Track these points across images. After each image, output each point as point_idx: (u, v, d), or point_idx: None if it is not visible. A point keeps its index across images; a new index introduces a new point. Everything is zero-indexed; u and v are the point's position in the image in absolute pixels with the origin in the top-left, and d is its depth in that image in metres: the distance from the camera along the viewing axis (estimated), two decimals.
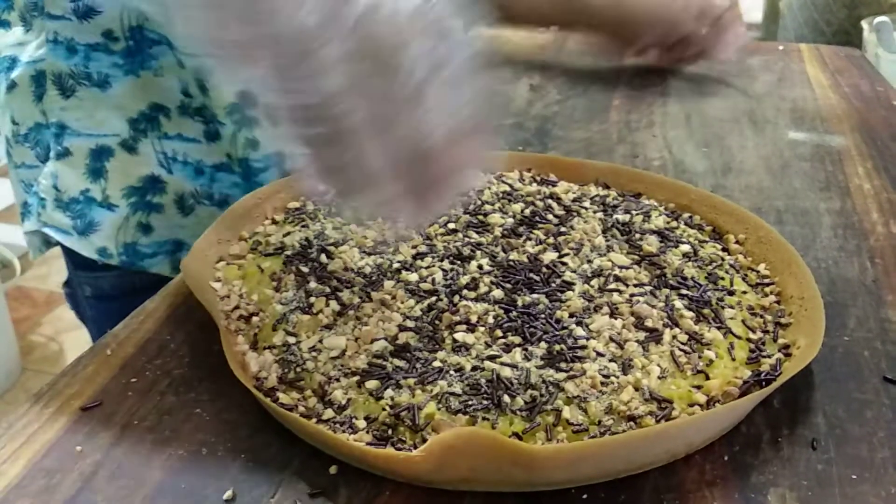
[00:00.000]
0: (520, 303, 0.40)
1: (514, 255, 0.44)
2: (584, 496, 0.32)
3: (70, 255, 0.68)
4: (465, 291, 0.41)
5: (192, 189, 0.63)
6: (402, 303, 0.40)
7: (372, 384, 0.35)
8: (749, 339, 0.39)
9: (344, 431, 0.33)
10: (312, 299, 0.40)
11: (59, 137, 0.61)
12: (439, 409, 0.34)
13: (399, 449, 0.32)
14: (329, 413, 0.34)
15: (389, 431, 0.33)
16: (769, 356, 0.38)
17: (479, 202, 0.51)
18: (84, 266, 0.67)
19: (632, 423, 0.34)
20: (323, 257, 0.44)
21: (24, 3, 0.59)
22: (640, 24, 0.82)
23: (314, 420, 0.34)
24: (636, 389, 0.35)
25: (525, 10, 0.86)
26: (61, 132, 0.61)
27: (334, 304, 0.40)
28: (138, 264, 0.64)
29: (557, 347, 0.37)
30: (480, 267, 0.43)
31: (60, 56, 0.59)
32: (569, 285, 0.41)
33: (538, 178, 0.56)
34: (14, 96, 0.61)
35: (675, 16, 0.81)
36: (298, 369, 0.36)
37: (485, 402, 0.34)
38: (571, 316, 0.39)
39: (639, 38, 0.83)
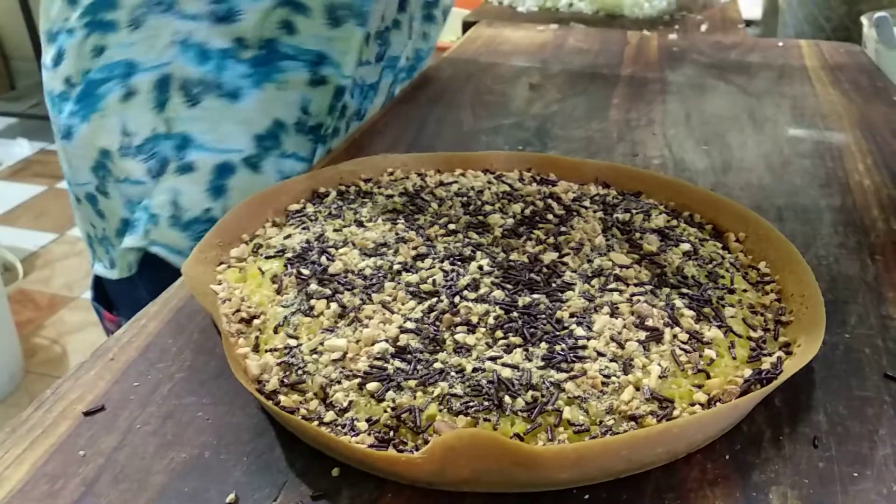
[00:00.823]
0: (520, 303, 0.40)
1: (514, 256, 0.44)
2: (586, 496, 0.32)
3: (158, 286, 0.64)
4: (465, 292, 0.41)
5: None
6: (403, 304, 0.40)
7: (373, 386, 0.35)
8: (750, 338, 0.39)
9: (346, 434, 0.33)
10: (313, 301, 0.40)
11: (183, 150, 0.57)
12: (440, 411, 0.34)
13: (401, 451, 0.32)
14: (331, 415, 0.34)
15: (391, 433, 0.33)
16: (770, 354, 0.38)
17: (479, 202, 0.51)
18: None
19: (633, 422, 0.34)
20: (323, 259, 0.44)
21: (141, 0, 0.55)
22: None
23: (316, 422, 0.34)
24: (637, 389, 0.35)
25: None
26: (185, 144, 0.57)
27: (335, 307, 0.40)
28: None
29: (558, 348, 0.37)
30: (481, 268, 0.43)
31: (191, 61, 0.55)
32: (569, 285, 0.42)
33: (538, 178, 0.56)
34: (131, 104, 0.57)
35: None
36: (300, 372, 0.37)
37: (486, 403, 0.34)
38: (572, 316, 0.39)
39: None
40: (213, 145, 0.57)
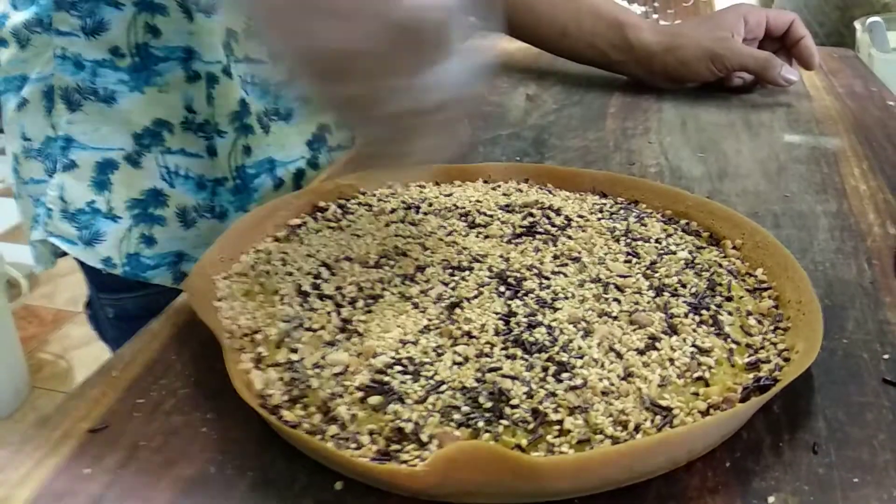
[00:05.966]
0: (520, 313, 0.40)
1: (513, 266, 0.45)
2: None
3: (91, 277, 0.69)
4: (465, 303, 0.41)
5: (193, 203, 0.64)
6: (404, 317, 0.40)
7: (375, 399, 0.35)
8: (748, 345, 0.40)
9: (348, 447, 0.34)
10: (315, 315, 0.41)
11: (66, 150, 0.62)
12: (442, 423, 0.34)
13: (403, 463, 0.33)
14: (333, 429, 0.35)
15: (393, 446, 0.34)
16: (768, 361, 0.38)
17: (477, 213, 0.51)
18: (106, 288, 0.68)
19: (633, 431, 0.34)
20: (324, 273, 0.44)
21: (24, 21, 0.60)
22: (693, 65, 0.79)
23: (319, 437, 0.34)
24: (637, 398, 0.35)
25: (572, 47, 0.85)
26: (68, 145, 0.62)
27: (336, 320, 0.40)
28: (141, 275, 0.65)
29: (558, 357, 0.37)
30: (480, 278, 0.43)
31: (68, 71, 0.60)
32: (568, 295, 0.42)
33: (536, 188, 0.56)
34: (25, 113, 0.62)
35: (731, 51, 0.77)
36: (302, 386, 0.37)
37: (487, 414, 0.34)
38: (571, 325, 0.39)
39: (694, 78, 0.80)
40: (94, 144, 0.62)
